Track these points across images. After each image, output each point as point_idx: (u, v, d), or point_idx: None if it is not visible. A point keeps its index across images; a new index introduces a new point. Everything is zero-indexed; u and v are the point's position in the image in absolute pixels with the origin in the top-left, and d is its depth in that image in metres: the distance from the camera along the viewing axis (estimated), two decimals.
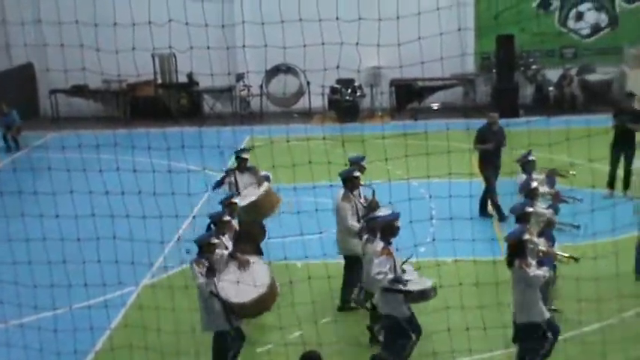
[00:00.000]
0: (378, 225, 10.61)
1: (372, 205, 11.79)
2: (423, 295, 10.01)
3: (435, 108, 27.44)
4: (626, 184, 17.11)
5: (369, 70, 26.42)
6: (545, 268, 9.46)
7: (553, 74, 27.19)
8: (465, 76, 27.37)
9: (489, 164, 16.08)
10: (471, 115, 25.59)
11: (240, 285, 10.15)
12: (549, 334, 9.60)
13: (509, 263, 9.48)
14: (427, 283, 10.08)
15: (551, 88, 27.08)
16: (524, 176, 12.60)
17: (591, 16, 27.81)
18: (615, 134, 16.99)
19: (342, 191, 12.30)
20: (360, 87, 26.97)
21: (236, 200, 12.41)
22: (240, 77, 26.52)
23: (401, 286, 9.79)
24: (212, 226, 11.37)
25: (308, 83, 26.76)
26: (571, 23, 27.90)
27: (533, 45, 27.41)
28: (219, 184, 13.97)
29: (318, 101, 26.18)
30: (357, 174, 12.37)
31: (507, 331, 10.45)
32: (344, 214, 12.10)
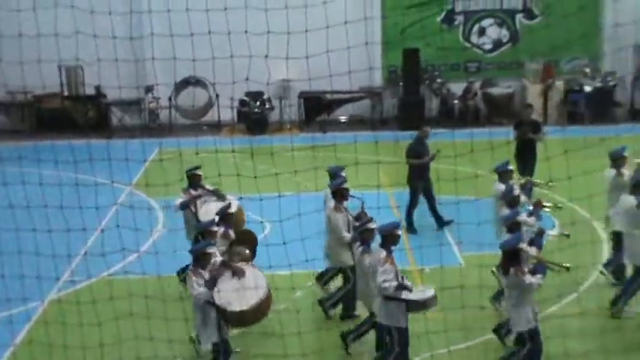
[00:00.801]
0: (372, 235, 10.67)
1: (362, 217, 11.68)
2: (425, 305, 9.99)
3: (343, 120, 27.78)
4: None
5: (278, 83, 26.56)
6: (539, 276, 9.63)
7: (457, 87, 27.88)
8: (372, 89, 27.78)
9: (420, 177, 16.28)
10: (378, 127, 26.07)
11: (238, 293, 9.92)
12: (529, 345, 9.73)
13: (505, 271, 9.67)
14: (428, 292, 10.08)
15: (455, 101, 27.77)
16: (502, 185, 12.69)
17: (493, 32, 28.62)
18: (517, 145, 17.44)
19: (332, 202, 12.15)
20: (269, 100, 27.08)
21: (232, 210, 12.15)
22: (149, 89, 26.32)
23: (404, 295, 9.83)
24: (200, 237, 11.07)
25: (217, 96, 26.72)
26: (474, 38, 28.66)
27: (438, 59, 28.03)
28: (185, 205, 13.45)
29: (227, 114, 26.22)
30: (346, 185, 12.33)
31: (432, 338, 10.61)
32: (337, 224, 11.98)
